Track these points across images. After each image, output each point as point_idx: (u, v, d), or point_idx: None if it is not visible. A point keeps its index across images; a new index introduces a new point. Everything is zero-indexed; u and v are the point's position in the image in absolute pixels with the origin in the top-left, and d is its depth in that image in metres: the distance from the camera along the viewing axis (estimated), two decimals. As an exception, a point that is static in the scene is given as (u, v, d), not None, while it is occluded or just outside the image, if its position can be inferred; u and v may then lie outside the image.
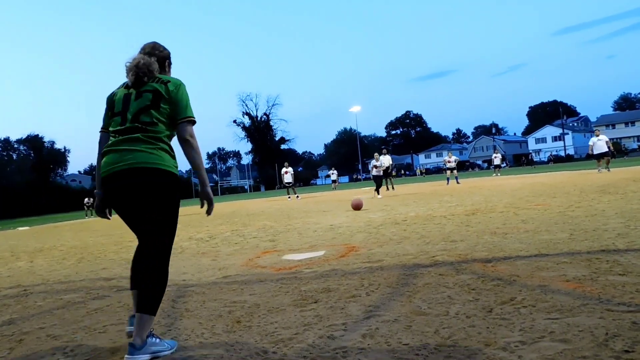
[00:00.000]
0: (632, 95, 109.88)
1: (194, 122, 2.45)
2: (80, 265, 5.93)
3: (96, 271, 5.31)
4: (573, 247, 3.98)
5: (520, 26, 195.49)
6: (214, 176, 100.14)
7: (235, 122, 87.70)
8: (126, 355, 2.17)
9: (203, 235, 8.37)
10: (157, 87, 2.41)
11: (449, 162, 22.37)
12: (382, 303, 2.83)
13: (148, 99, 2.39)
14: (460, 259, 3.92)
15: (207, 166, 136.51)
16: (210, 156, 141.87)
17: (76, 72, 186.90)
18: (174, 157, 2.45)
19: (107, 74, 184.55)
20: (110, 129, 2.45)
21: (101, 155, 2.44)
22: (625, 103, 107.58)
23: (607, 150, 18.89)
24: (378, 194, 16.15)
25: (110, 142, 2.42)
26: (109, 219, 2.57)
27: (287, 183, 21.48)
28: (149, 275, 2.28)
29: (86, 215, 25.47)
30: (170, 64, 2.71)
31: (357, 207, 10.76)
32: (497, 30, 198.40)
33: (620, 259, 3.36)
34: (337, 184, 36.41)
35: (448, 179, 22.70)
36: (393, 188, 21.43)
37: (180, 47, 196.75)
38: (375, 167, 16.32)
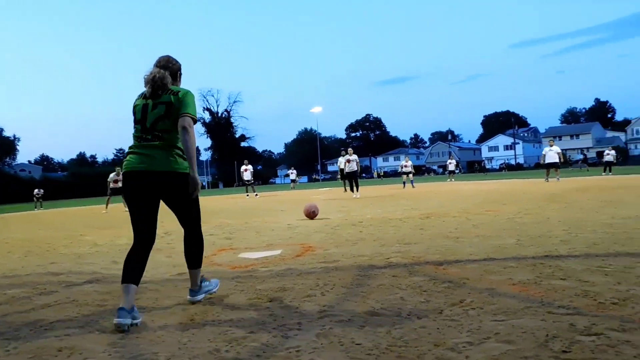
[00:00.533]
0: (578, 110, 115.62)
1: (194, 120, 2.86)
2: (27, 259, 5.68)
3: (44, 265, 5.10)
4: (520, 253, 4.16)
5: (480, 37, 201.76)
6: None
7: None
8: (188, 297, 3.09)
9: (159, 231, 8.15)
10: (169, 99, 2.85)
11: (406, 166, 22.97)
12: (337, 303, 2.87)
13: (162, 110, 2.84)
14: (414, 262, 4.02)
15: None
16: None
17: (28, 58, 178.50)
18: (185, 159, 2.90)
19: (60, 61, 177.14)
20: (133, 134, 2.93)
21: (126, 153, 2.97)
22: (572, 117, 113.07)
23: (557, 161, 19.77)
24: (352, 191, 15.98)
25: (133, 144, 2.91)
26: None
27: (246, 181, 21.30)
28: (194, 242, 3.14)
29: (35, 207, 24.23)
30: (181, 74, 3.11)
31: (309, 214, 8.63)
32: (458, 40, 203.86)
33: (562, 265, 3.54)
34: (296, 183, 36.41)
35: (404, 182, 23.16)
36: (351, 190, 21.64)
37: (140, 39, 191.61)
38: (349, 161, 15.99)
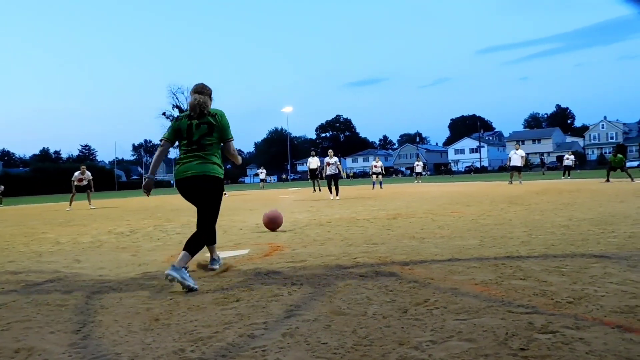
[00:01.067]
0: (540, 115, 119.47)
1: (233, 139, 3.82)
2: (-20, 258, 5.46)
3: (2, 264, 4.92)
4: (482, 253, 4.27)
5: (448, 42, 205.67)
6: (139, 169, 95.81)
7: (165, 115, 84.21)
8: (209, 265, 4.11)
9: (124, 229, 8.02)
10: (210, 120, 3.66)
11: (376, 167, 23.18)
12: (304, 302, 2.89)
13: (205, 129, 3.65)
14: (380, 262, 4.08)
15: (132, 158, 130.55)
16: (136, 148, 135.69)
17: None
18: (221, 166, 3.73)
19: (23, 52, 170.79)
20: (182, 148, 3.72)
21: (176, 162, 3.87)
22: (534, 121, 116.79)
23: (519, 164, 20.37)
24: (331, 193, 14.77)
25: (182, 156, 3.70)
26: (148, 196, 4.00)
27: None
28: (206, 231, 3.77)
29: None
30: (212, 98, 3.82)
31: (270, 224, 6.86)
32: (427, 44, 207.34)
33: (522, 265, 3.67)
34: (265, 182, 36.20)
35: (374, 183, 23.37)
36: (320, 190, 21.71)
37: (107, 33, 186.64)
38: (328, 164, 14.87)
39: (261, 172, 35.98)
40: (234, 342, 2.24)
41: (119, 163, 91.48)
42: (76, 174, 15.98)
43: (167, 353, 2.13)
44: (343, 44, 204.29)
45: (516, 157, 20.34)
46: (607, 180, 18.57)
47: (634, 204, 8.63)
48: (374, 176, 23.39)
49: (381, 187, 22.80)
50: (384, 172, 23.98)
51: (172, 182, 72.22)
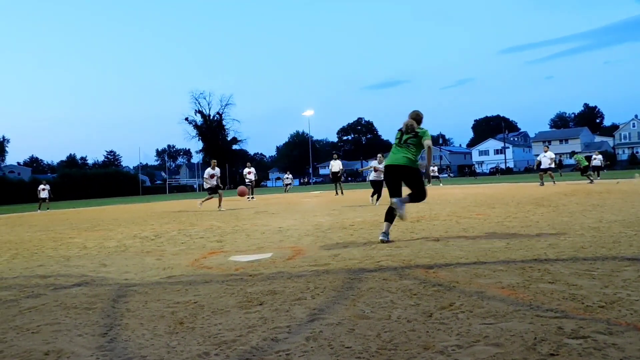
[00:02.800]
0: (567, 115, 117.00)
1: (432, 142, 5.56)
2: (14, 262, 5.61)
3: (31, 268, 5.05)
4: (509, 256, 4.19)
5: (470, 43, 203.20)
6: (163, 174, 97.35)
7: (187, 120, 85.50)
8: (398, 214, 5.42)
9: (148, 233, 8.14)
10: (416, 134, 5.47)
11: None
12: (327, 306, 2.87)
13: (413, 138, 5.48)
14: (404, 265, 4.04)
15: (155, 163, 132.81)
16: (159, 153, 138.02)
17: (17, 57, 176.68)
18: (417, 160, 5.52)
19: (51, 61, 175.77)
20: (395, 145, 5.64)
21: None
22: (561, 121, 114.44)
23: (548, 167, 19.95)
24: (375, 200, 12.95)
25: (393, 150, 5.63)
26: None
27: (249, 182, 21.16)
28: (420, 199, 5.55)
29: (40, 208, 22.92)
30: (422, 121, 5.71)
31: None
32: (448, 45, 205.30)
33: (550, 268, 3.58)
34: (290, 187, 35.97)
35: None
36: (342, 193, 21.68)
37: (132, 41, 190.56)
38: (375, 169, 13.24)
39: (287, 178, 36.09)
40: (257, 345, 2.24)
41: (143, 168, 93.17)
42: (208, 170, 14.96)
43: (192, 356, 2.15)
44: (364, 46, 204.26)
45: (545, 159, 19.95)
46: (591, 182, 19.54)
47: (667, 204, 8.35)
48: None
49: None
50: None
51: (195, 186, 73.28)
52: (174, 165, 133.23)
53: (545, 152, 20.27)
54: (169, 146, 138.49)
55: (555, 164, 20.10)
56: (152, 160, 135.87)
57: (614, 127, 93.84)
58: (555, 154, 23.66)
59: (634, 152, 78.19)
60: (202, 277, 3.99)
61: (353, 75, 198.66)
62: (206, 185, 15.15)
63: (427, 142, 5.42)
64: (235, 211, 13.46)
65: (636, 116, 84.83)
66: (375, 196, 13.05)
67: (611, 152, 74.99)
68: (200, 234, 7.60)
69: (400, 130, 5.66)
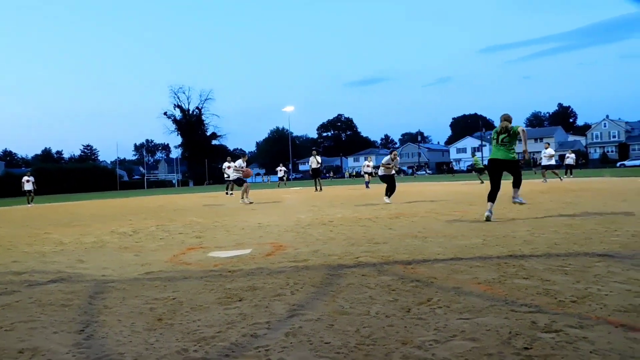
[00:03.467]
0: (542, 114, 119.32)
1: (524, 130, 6.87)
2: (-16, 258, 5.47)
3: (5, 264, 4.93)
4: (485, 252, 4.27)
5: (451, 42, 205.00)
6: (141, 169, 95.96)
7: (166, 115, 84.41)
8: (514, 200, 7.28)
9: (126, 229, 8.03)
10: (509, 131, 6.75)
11: (368, 166, 23.33)
12: (306, 302, 2.89)
13: (507, 137, 6.79)
14: (383, 261, 4.08)
15: (133, 158, 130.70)
16: (137, 148, 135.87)
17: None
18: (514, 151, 6.91)
19: (25, 53, 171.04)
20: (494, 144, 6.97)
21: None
22: (536, 120, 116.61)
23: (547, 164, 20.27)
24: (387, 197, 11.90)
25: (493, 148, 7.01)
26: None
27: (228, 177, 20.92)
28: (520, 183, 7.10)
29: (28, 202, 22.15)
30: (511, 121, 6.91)
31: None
32: (429, 43, 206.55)
33: (525, 264, 3.66)
34: (282, 182, 31.88)
35: (367, 182, 23.27)
36: (321, 189, 21.71)
37: (110, 35, 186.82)
38: (386, 166, 12.05)
39: (280, 170, 31.43)
40: (237, 341, 2.25)
41: (121, 163, 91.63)
42: (239, 161, 14.62)
43: (171, 353, 2.14)
44: (346, 43, 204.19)
45: (545, 157, 20.26)
46: (482, 182, 20.86)
47: (637, 202, 8.61)
48: (367, 175, 23.39)
49: (367, 187, 22.51)
50: (374, 171, 24.03)
51: (174, 181, 72.49)
52: (152, 160, 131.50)
53: (546, 149, 20.51)
54: (147, 141, 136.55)
55: (555, 161, 20.47)
56: (130, 155, 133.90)
57: (586, 127, 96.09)
58: (530, 152, 24.20)
59: (605, 151, 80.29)
60: (181, 273, 3.96)
61: (334, 72, 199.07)
62: (234, 176, 14.96)
63: (520, 127, 6.81)
64: (215, 207, 13.37)
65: (607, 116, 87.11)
66: (389, 193, 11.88)
67: (584, 151, 76.74)
68: (180, 229, 7.53)
69: (496, 131, 6.97)
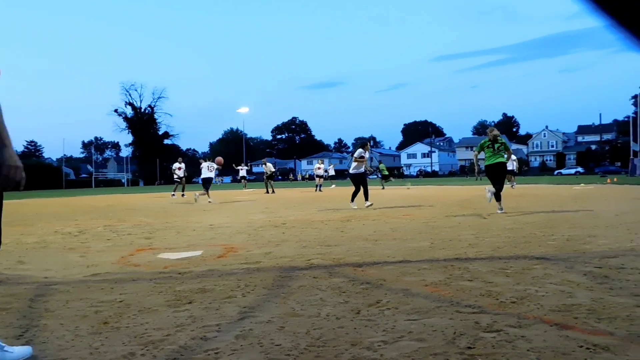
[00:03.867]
0: (488, 122, 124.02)
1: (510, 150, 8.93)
2: None
3: None
4: (433, 255, 4.41)
5: (405, 49, 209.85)
6: (89, 167, 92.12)
7: (117, 112, 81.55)
8: (489, 197, 8.58)
9: (72, 229, 7.70)
10: (500, 142, 8.42)
11: (319, 169, 23.52)
12: (258, 304, 2.89)
13: (501, 146, 8.43)
14: (334, 263, 4.13)
15: (81, 156, 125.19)
16: (86, 145, 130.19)
17: None
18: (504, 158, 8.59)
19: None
20: (487, 154, 8.51)
21: (485, 159, 8.60)
22: (482, 129, 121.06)
23: (511, 168, 21.01)
24: (366, 200, 10.39)
25: (491, 155, 8.44)
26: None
27: (178, 178, 20.37)
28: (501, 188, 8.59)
29: None
30: (501, 134, 9.17)
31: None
32: (384, 50, 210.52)
33: (470, 267, 3.81)
34: (245, 181, 28.65)
35: (317, 185, 23.45)
36: (273, 191, 21.67)
37: (60, 25, 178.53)
38: (359, 160, 10.38)
39: (242, 169, 28.52)
40: (186, 345, 2.22)
41: (67, 160, 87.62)
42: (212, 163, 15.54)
43: (117, 357, 2.09)
44: (301, 47, 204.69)
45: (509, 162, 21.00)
46: (383, 188, 23.05)
47: (572, 208, 9.15)
48: (317, 178, 23.57)
49: (320, 190, 22.67)
50: (324, 174, 24.32)
51: (124, 180, 70.14)
52: (101, 159, 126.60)
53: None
54: (96, 138, 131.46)
55: (515, 168, 21.33)
56: (77, 153, 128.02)
57: (528, 136, 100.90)
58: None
59: (544, 159, 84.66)
60: (129, 275, 3.85)
61: (289, 75, 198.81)
62: (207, 175, 15.29)
63: (510, 150, 8.80)
64: (166, 207, 13.05)
65: (547, 127, 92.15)
66: (356, 197, 10.49)
67: (525, 159, 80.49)
68: (128, 230, 7.31)
69: (489, 140, 8.44)
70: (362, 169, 10.49)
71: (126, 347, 2.20)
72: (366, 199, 10.39)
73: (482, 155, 8.68)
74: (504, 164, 8.50)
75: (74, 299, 3.13)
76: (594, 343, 2.09)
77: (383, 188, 22.89)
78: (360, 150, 10.48)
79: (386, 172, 25.20)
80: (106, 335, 2.39)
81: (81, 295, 3.21)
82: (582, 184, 23.20)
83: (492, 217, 7.86)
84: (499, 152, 8.35)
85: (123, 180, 70.90)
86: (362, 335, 2.28)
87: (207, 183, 15.19)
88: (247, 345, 2.20)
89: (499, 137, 8.41)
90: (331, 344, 2.18)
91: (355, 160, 10.42)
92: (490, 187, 8.38)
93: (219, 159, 15.59)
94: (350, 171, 10.54)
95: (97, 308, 2.88)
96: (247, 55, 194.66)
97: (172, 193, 20.24)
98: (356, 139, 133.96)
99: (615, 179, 29.04)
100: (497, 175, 8.36)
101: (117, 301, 3.03)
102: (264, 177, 22.68)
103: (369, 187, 10.60)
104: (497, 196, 8.27)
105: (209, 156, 16.45)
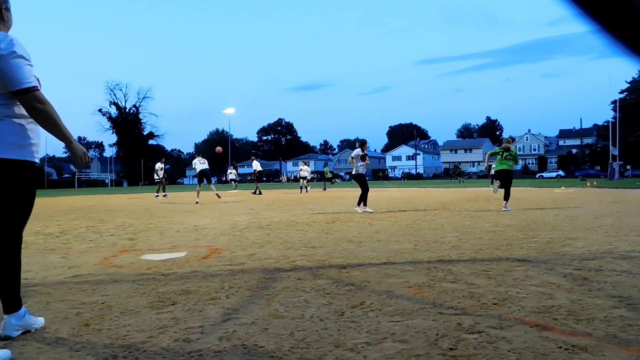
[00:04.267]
0: (472, 126, 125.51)
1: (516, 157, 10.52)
2: None
3: None
4: (416, 257, 4.44)
5: (390, 52, 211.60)
6: (72, 167, 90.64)
7: (101, 112, 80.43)
8: (496, 189, 10.55)
9: (53, 230, 7.58)
10: (510, 152, 10.22)
11: (302, 171, 23.58)
12: (241, 306, 2.88)
13: (510, 155, 10.13)
14: (319, 265, 4.14)
15: (64, 155, 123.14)
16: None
17: None
18: (511, 165, 10.35)
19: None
20: (498, 160, 10.24)
21: (496, 164, 10.55)
22: (466, 132, 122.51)
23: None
24: (365, 205, 10.23)
25: (500, 161, 10.17)
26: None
27: (158, 179, 20.25)
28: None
29: None
30: (511, 144, 10.64)
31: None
32: (369, 53, 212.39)
33: (453, 268, 3.85)
34: (236, 183, 28.76)
35: (301, 187, 23.48)
36: (260, 192, 21.60)
37: (42, 20, 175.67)
38: (359, 159, 10.29)
39: (231, 173, 29.78)
40: (168, 347, 2.20)
41: (50, 160, 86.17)
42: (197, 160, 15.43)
43: (98, 359, 2.06)
44: (287, 49, 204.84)
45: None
46: (324, 189, 25.44)
47: (552, 211, 9.30)
48: (302, 180, 23.60)
49: (307, 191, 22.88)
50: (309, 176, 24.43)
51: (107, 181, 69.21)
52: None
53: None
54: (79, 138, 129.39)
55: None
56: (60, 152, 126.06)
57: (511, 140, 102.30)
58: (460, 162, 25.60)
59: (527, 163, 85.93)
60: (112, 277, 3.81)
61: (275, 76, 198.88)
62: (202, 168, 15.27)
63: (517, 161, 10.16)
64: (150, 208, 12.92)
65: (529, 131, 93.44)
66: (362, 202, 10.21)
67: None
68: (111, 231, 7.22)
69: (501, 148, 10.15)
70: (361, 171, 10.39)
71: (107, 350, 2.18)
72: (364, 203, 10.30)
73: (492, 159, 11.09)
74: (509, 171, 10.03)
75: (54, 300, 3.09)
76: (573, 344, 2.13)
77: (325, 189, 25.14)
78: (358, 150, 10.39)
79: (330, 176, 28.90)
80: (87, 337, 2.36)
81: (62, 297, 3.17)
82: (562, 188, 23.61)
83: (474, 219, 7.95)
84: (506, 160, 10.03)
85: (106, 181, 69.95)
86: (345, 337, 2.29)
87: (204, 175, 14.92)
88: (231, 347, 2.19)
89: (510, 149, 10.15)
90: (315, 346, 2.18)
91: (361, 159, 10.26)
92: (498, 182, 10.29)
93: (219, 148, 16.05)
94: (360, 172, 10.35)
95: (78, 310, 2.85)
96: (233, 57, 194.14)
97: (156, 194, 20.06)
98: (342, 141, 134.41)
99: (595, 183, 29.63)
100: (502, 178, 10.07)
101: (99, 303, 2.99)
102: (254, 176, 22.62)
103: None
104: (505, 195, 9.95)
105: (200, 152, 16.71)
